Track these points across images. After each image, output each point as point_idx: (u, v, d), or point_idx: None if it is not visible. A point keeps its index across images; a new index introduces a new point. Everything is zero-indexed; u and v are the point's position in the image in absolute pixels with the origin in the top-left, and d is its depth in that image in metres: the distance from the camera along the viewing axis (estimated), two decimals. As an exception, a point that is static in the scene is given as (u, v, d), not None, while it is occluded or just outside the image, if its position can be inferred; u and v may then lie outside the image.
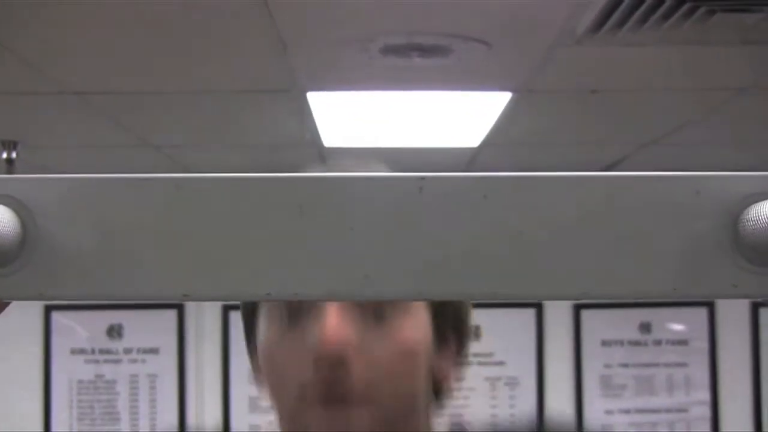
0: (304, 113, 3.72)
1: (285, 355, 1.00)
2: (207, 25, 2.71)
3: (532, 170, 0.60)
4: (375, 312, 0.98)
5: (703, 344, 5.85)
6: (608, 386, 5.87)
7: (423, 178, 0.59)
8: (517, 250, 0.59)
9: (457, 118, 3.98)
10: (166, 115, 3.92)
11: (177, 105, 3.72)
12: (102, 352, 5.79)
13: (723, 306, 5.66)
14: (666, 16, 2.55)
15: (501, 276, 0.59)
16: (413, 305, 1.02)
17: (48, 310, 5.68)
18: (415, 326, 1.02)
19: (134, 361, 5.80)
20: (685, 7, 2.47)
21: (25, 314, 5.30)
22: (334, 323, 0.96)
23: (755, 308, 5.53)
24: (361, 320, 0.98)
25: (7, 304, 0.67)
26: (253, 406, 5.59)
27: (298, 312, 0.99)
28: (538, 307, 5.82)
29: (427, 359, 1.05)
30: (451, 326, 1.12)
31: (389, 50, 2.89)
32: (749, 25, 2.63)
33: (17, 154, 4.25)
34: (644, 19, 2.57)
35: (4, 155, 4.22)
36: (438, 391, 1.13)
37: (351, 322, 0.97)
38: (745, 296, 0.61)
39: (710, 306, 5.79)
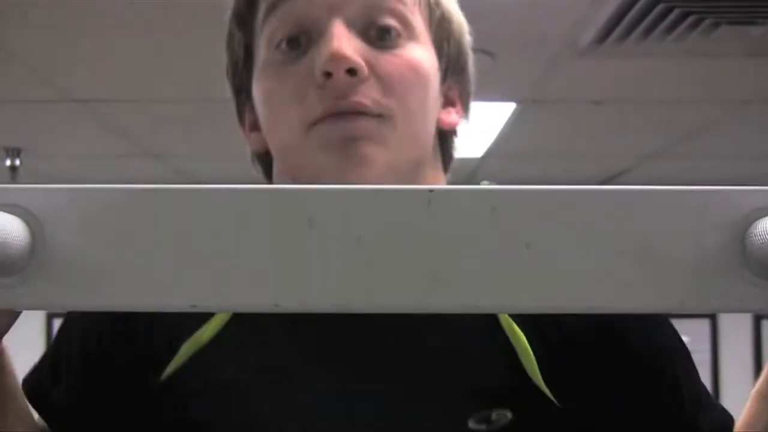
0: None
1: (289, 86, 0.94)
2: (212, 35, 2.71)
3: (535, 181, 0.60)
4: (381, 44, 0.94)
5: (705, 356, 5.84)
6: (610, 397, 5.85)
7: (431, 190, 0.59)
8: (525, 262, 0.59)
9: (460, 128, 3.97)
10: (169, 124, 3.92)
11: (182, 114, 3.72)
12: (104, 359, 5.77)
13: (725, 318, 5.66)
14: (670, 29, 2.55)
15: (509, 288, 0.59)
16: (419, 38, 0.97)
17: (49, 318, 5.67)
18: (422, 52, 0.98)
19: (136, 368, 5.78)
20: (690, 19, 2.47)
21: (27, 321, 5.27)
22: (343, 44, 0.91)
23: (757, 321, 5.52)
24: (368, 46, 0.94)
25: (18, 314, 0.67)
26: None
27: (301, 44, 0.94)
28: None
29: (435, 89, 1.00)
30: (453, 64, 1.06)
31: (394, 60, 2.89)
32: (754, 38, 2.63)
33: (21, 162, 4.25)
34: (648, 31, 2.58)
35: (8, 162, 4.23)
36: (443, 140, 1.10)
37: (358, 46, 0.93)
38: (752, 311, 0.61)
39: (712, 318, 5.79)
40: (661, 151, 4.28)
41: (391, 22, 0.95)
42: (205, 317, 0.97)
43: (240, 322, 0.96)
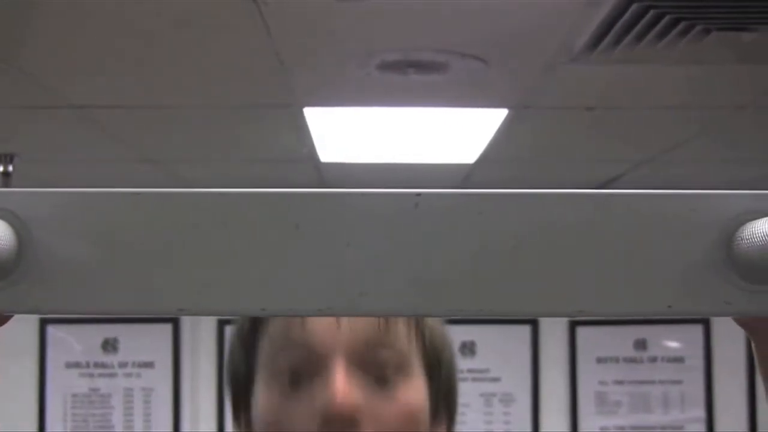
0: (301, 129, 3.72)
1: (290, 419, 0.99)
2: (205, 41, 2.72)
3: (527, 187, 0.61)
4: (377, 377, 0.99)
5: (699, 361, 5.85)
6: (603, 403, 5.86)
7: (419, 194, 0.59)
8: (512, 266, 0.60)
9: (453, 134, 3.98)
10: (164, 130, 3.92)
11: (175, 120, 3.72)
12: (97, 365, 5.78)
13: (718, 323, 5.66)
14: (662, 35, 2.56)
15: (496, 292, 0.60)
16: (413, 373, 1.02)
17: (43, 324, 5.67)
18: (416, 393, 1.03)
19: (129, 375, 5.79)
20: (681, 25, 2.48)
21: (20, 327, 5.29)
22: (344, 385, 0.96)
23: (751, 326, 5.51)
24: (366, 384, 0.98)
25: (9, 317, 0.68)
26: (248, 421, 5.56)
27: (302, 376, 0.99)
28: (534, 324, 5.81)
29: (426, 427, 1.05)
30: (443, 398, 1.12)
31: (386, 66, 2.90)
32: (745, 44, 2.63)
33: (14, 168, 4.24)
34: (640, 37, 2.58)
35: (1, 168, 4.22)
36: None
37: (357, 385, 0.97)
38: (740, 314, 0.61)
39: (705, 323, 5.79)
40: (653, 157, 4.29)
41: (389, 357, 1.01)
42: None
43: None
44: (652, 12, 2.39)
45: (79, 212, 0.59)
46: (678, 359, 5.84)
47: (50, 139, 4.04)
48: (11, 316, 0.68)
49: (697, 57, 2.76)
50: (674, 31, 2.52)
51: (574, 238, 0.60)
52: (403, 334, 1.03)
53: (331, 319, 0.99)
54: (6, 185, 4.28)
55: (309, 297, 0.59)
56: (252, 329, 1.07)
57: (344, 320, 0.99)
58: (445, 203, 0.60)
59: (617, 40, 2.61)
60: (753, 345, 0.77)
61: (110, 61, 2.93)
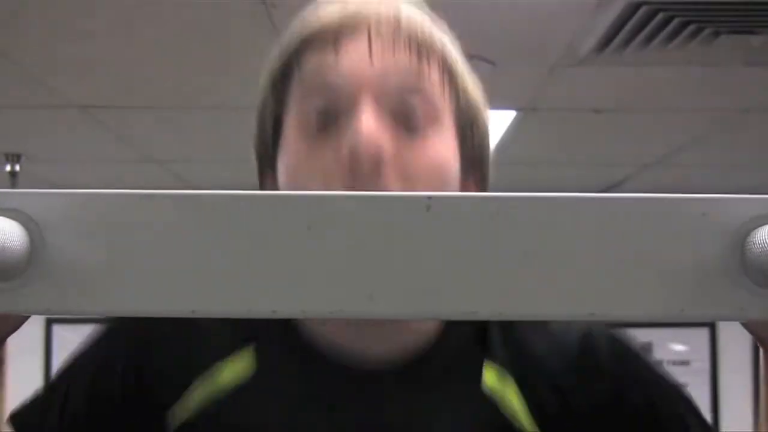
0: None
1: (315, 163, 0.95)
2: (212, 42, 2.72)
3: (535, 189, 0.60)
4: (407, 125, 0.94)
5: (704, 365, 5.84)
6: (609, 406, 5.84)
7: (430, 197, 0.59)
8: (524, 270, 0.59)
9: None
10: (170, 130, 3.92)
11: (181, 120, 3.73)
12: (102, 365, 5.78)
13: (724, 327, 5.66)
14: (670, 37, 2.56)
15: (508, 296, 0.59)
16: (444, 126, 0.98)
17: (49, 323, 5.67)
18: (446, 145, 0.98)
19: (134, 375, 5.78)
20: (690, 28, 2.48)
21: (26, 327, 5.26)
22: (371, 124, 0.91)
23: (757, 330, 5.51)
24: (395, 129, 0.94)
25: (23, 320, 0.67)
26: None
27: (329, 119, 0.94)
28: (540, 326, 5.79)
29: (454, 187, 1.01)
30: (475, 158, 1.09)
31: (394, 68, 2.89)
32: (754, 47, 2.63)
33: (21, 167, 4.25)
34: (648, 40, 2.58)
35: (8, 168, 4.23)
36: None
37: (385, 128, 0.93)
38: (753, 319, 0.61)
39: (711, 327, 5.79)
40: (661, 160, 4.29)
41: (421, 105, 0.96)
42: (213, 357, 0.99)
43: (259, 385, 0.99)
44: (660, 15, 2.39)
45: (91, 213, 0.59)
46: (684, 362, 5.84)
47: (56, 140, 4.05)
48: (25, 319, 0.68)
49: (706, 60, 2.76)
50: (683, 34, 2.52)
51: (586, 242, 0.60)
52: (437, 85, 0.99)
53: (364, 59, 0.95)
54: (13, 185, 4.28)
55: (320, 299, 0.59)
56: (283, 74, 1.03)
57: (377, 60, 0.95)
58: (456, 207, 0.60)
59: (625, 43, 2.61)
60: (762, 352, 0.77)
61: (117, 62, 2.94)
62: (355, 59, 0.95)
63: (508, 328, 1.04)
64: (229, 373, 0.99)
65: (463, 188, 1.05)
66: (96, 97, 3.37)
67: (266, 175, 1.08)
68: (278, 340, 1.01)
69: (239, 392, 0.99)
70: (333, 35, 0.97)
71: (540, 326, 1.05)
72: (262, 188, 1.09)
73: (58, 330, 5.72)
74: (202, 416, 0.98)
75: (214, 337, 1.01)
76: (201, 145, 4.20)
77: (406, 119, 0.95)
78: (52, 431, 1.08)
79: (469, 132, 1.06)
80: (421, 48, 0.98)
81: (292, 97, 1.01)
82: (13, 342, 0.78)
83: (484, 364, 1.01)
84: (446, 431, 0.99)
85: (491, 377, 1.00)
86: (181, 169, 4.67)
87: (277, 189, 1.03)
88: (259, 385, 0.99)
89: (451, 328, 1.02)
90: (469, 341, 1.03)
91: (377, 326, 0.99)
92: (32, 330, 5.52)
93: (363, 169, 0.91)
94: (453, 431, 0.99)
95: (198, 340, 1.01)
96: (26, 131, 3.88)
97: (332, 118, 0.95)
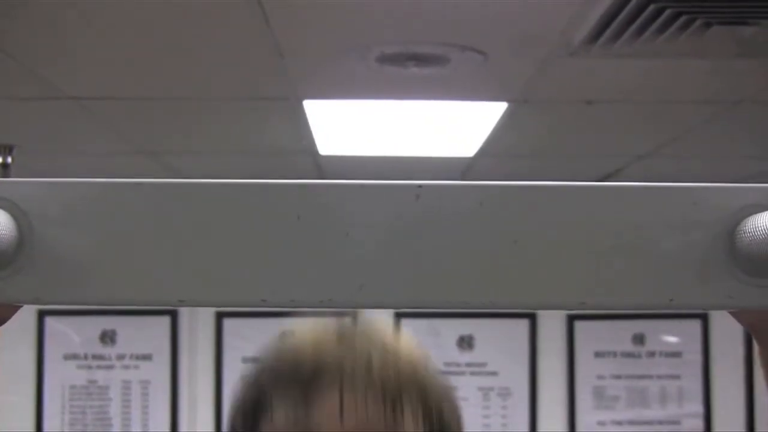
0: (300, 121, 3.72)
1: None
2: (205, 33, 2.71)
3: (527, 180, 0.60)
4: None
5: (697, 356, 5.85)
6: (601, 398, 5.86)
7: (420, 186, 0.59)
8: (513, 259, 0.59)
9: (453, 127, 3.98)
10: (162, 122, 3.92)
11: (174, 112, 3.72)
12: (95, 357, 5.78)
13: (717, 318, 5.66)
14: (662, 29, 2.55)
15: (496, 285, 0.59)
16: None
17: (41, 315, 5.66)
18: None
19: (127, 367, 5.79)
20: (682, 19, 2.47)
21: (19, 319, 5.25)
22: None
23: (749, 321, 5.51)
24: None
25: (14, 311, 0.67)
26: (246, 413, 5.56)
27: None
28: (532, 318, 5.81)
29: None
30: None
31: (386, 59, 2.90)
32: (745, 38, 2.63)
33: (12, 159, 4.24)
34: (640, 31, 2.58)
35: (0, 159, 4.22)
36: None
37: None
38: (742, 307, 0.61)
39: (704, 318, 5.79)
40: (653, 151, 4.29)
41: None
42: None
43: None
44: (652, 6, 2.39)
45: (80, 202, 0.59)
46: (676, 354, 5.84)
47: (49, 131, 4.04)
48: (16, 310, 0.68)
49: (698, 51, 2.76)
50: (674, 25, 2.52)
51: (576, 231, 0.60)
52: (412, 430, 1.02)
53: (336, 418, 0.97)
54: (5, 177, 4.28)
55: (309, 288, 0.59)
56: (254, 412, 1.05)
57: (349, 419, 0.97)
58: (446, 195, 0.60)
59: (617, 34, 2.61)
60: (756, 342, 0.77)
61: (108, 52, 2.93)
62: (327, 421, 0.98)
63: None
64: None
65: None
66: (89, 89, 3.36)
67: None
68: None
69: None
70: (304, 388, 0.99)
71: None
72: None
73: (50, 322, 5.71)
74: None
75: None
76: (195, 137, 4.19)
77: None
78: None
79: None
80: (395, 398, 1.00)
81: None
82: (5, 334, 0.78)
83: None
84: None
85: None
86: (175, 160, 4.67)
87: None
88: None
89: None
90: None
91: None
92: (24, 322, 5.51)
93: None
94: None
95: None
96: (18, 123, 3.87)
97: None
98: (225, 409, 5.68)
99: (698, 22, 2.50)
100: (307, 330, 1.06)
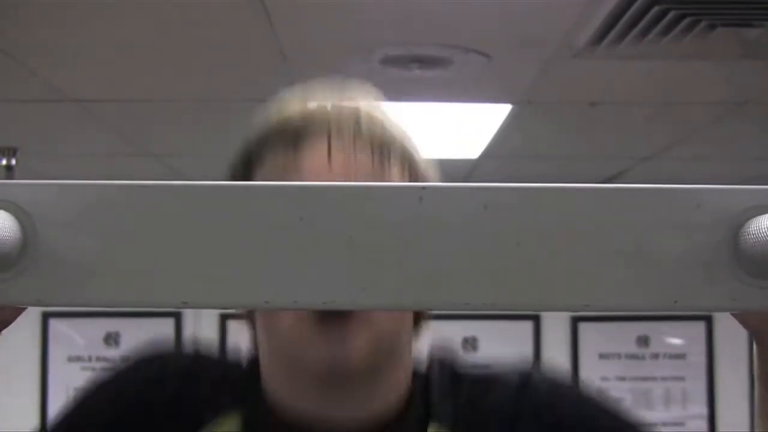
0: (303, 123, 3.71)
1: None
2: (208, 35, 2.71)
3: (531, 182, 0.60)
4: None
5: (701, 358, 5.85)
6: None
7: (423, 188, 0.59)
8: (517, 261, 0.59)
9: (456, 129, 3.98)
10: (166, 124, 3.92)
11: (177, 114, 3.72)
12: (99, 359, 5.78)
13: (721, 320, 5.66)
14: (666, 31, 2.55)
15: (502, 286, 0.59)
16: None
17: (45, 317, 5.67)
18: None
19: (131, 369, 5.79)
20: (686, 21, 2.47)
21: (23, 321, 5.26)
22: None
23: (753, 323, 5.50)
24: None
25: (18, 313, 0.67)
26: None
27: None
28: (536, 320, 5.81)
29: None
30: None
31: (389, 61, 2.90)
32: (750, 40, 2.63)
33: (16, 161, 4.25)
34: (644, 33, 2.58)
35: (3, 162, 4.22)
36: (417, 322, 1.14)
37: None
38: (746, 309, 0.61)
39: (708, 320, 5.79)
40: (657, 153, 4.29)
41: None
42: (213, 412, 1.06)
43: None
44: (656, 7, 2.39)
45: (84, 204, 0.59)
46: (680, 356, 5.84)
47: (52, 133, 4.04)
48: (20, 313, 0.68)
49: (702, 53, 2.76)
50: (679, 27, 2.52)
51: (580, 232, 0.60)
52: (397, 179, 1.01)
53: (324, 163, 0.98)
54: (9, 179, 4.27)
55: (312, 290, 0.59)
56: (245, 172, 1.06)
57: (337, 165, 0.98)
58: (449, 197, 0.59)
59: (621, 36, 2.61)
60: (755, 345, 0.77)
61: (111, 54, 2.93)
62: (315, 163, 0.99)
63: (456, 384, 1.08)
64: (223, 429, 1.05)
65: None
66: (92, 91, 3.37)
67: None
68: (255, 407, 1.07)
69: None
70: (293, 135, 0.99)
71: (484, 376, 1.10)
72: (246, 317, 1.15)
73: (54, 324, 5.72)
74: None
75: (214, 394, 1.08)
76: (197, 139, 4.19)
77: None
78: None
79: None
80: (382, 147, 1.01)
81: None
82: (8, 336, 0.78)
83: (429, 425, 1.05)
84: None
85: None
86: (178, 162, 4.67)
87: None
88: None
89: (417, 399, 1.05)
90: (424, 409, 1.07)
91: (340, 390, 1.03)
92: (28, 325, 5.52)
93: None
94: None
95: (204, 390, 1.08)
96: (22, 125, 3.88)
97: None
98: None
99: (703, 24, 2.50)
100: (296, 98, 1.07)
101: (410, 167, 1.04)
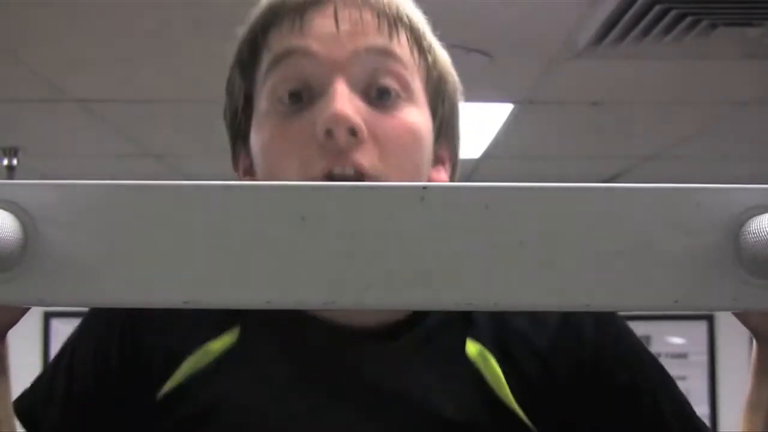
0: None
1: (289, 140, 0.96)
2: (210, 35, 2.71)
3: (532, 182, 0.60)
4: (380, 102, 0.96)
5: (703, 358, 5.85)
6: (607, 399, 5.85)
7: (425, 187, 0.59)
8: (518, 260, 0.59)
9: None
10: (168, 124, 3.92)
11: (179, 114, 3.72)
12: (100, 359, 5.78)
13: (722, 319, 5.66)
14: (667, 30, 2.55)
15: (503, 286, 0.59)
16: (416, 99, 1.00)
17: (47, 317, 5.68)
18: (418, 115, 1.00)
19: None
20: (687, 20, 2.47)
21: (25, 321, 5.26)
22: (345, 104, 0.93)
23: (754, 322, 5.50)
24: (367, 107, 0.96)
25: (22, 313, 0.67)
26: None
27: (302, 100, 0.96)
28: (538, 319, 5.80)
29: (429, 151, 1.03)
30: (446, 128, 1.11)
31: (391, 61, 2.89)
32: (751, 39, 2.63)
33: (18, 161, 4.25)
34: (646, 32, 2.58)
35: (5, 162, 4.23)
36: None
37: (358, 107, 0.94)
38: (746, 309, 0.61)
39: (710, 319, 5.79)
40: (659, 153, 4.29)
41: (392, 83, 0.98)
42: (204, 338, 1.01)
43: (244, 348, 1.01)
44: (657, 7, 2.39)
45: (85, 205, 0.59)
46: (682, 355, 5.84)
47: (54, 134, 4.05)
48: (23, 313, 0.68)
49: (703, 52, 2.76)
50: (680, 27, 2.52)
51: (581, 232, 0.60)
52: (407, 59, 1.00)
53: (334, 40, 0.96)
54: (10, 179, 4.27)
55: (315, 289, 0.59)
56: (251, 51, 1.04)
57: (347, 41, 0.96)
58: (451, 197, 0.59)
59: (623, 36, 2.61)
60: (755, 343, 0.77)
61: (113, 55, 2.93)
62: (324, 39, 0.97)
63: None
64: (216, 346, 1.02)
65: (436, 150, 1.08)
66: (94, 91, 3.37)
67: (239, 152, 1.08)
68: (262, 312, 1.01)
69: (224, 357, 1.01)
70: (299, 10, 0.98)
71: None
72: (235, 165, 1.10)
73: (56, 325, 5.72)
74: (189, 381, 1.01)
75: (204, 320, 1.03)
76: (200, 139, 4.19)
77: (378, 96, 0.97)
78: (59, 407, 1.10)
79: (440, 100, 1.08)
80: (390, 22, 0.99)
81: (261, 74, 1.02)
82: (11, 336, 0.78)
83: (467, 338, 1.02)
84: (430, 392, 0.99)
85: (473, 350, 1.01)
86: (181, 163, 4.67)
87: (249, 164, 1.04)
88: (242, 349, 1.01)
89: None
90: (452, 316, 1.04)
91: None
92: (31, 325, 5.52)
93: (339, 143, 0.92)
94: (437, 393, 0.99)
95: (190, 321, 1.03)
96: (23, 125, 3.88)
97: (306, 97, 0.96)
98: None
99: (704, 24, 2.50)
100: None
101: (418, 44, 1.02)
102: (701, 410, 5.78)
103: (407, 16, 1.02)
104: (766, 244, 0.58)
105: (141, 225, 0.59)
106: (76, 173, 4.84)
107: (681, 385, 1.10)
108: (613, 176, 4.77)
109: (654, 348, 5.82)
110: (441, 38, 1.09)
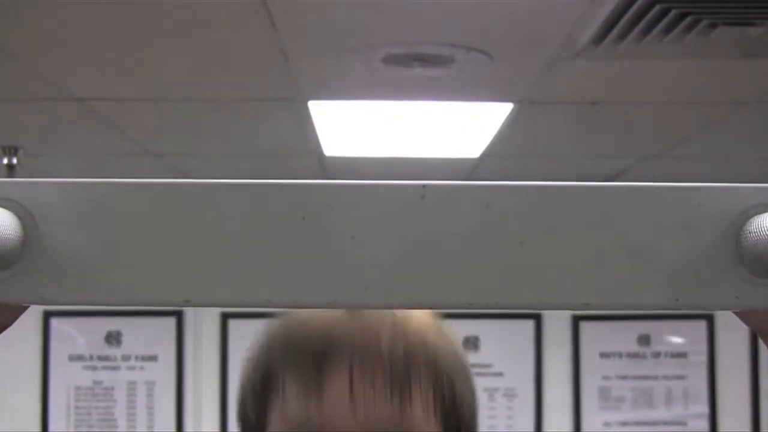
0: (305, 122, 3.72)
1: None
2: (209, 34, 2.71)
3: (533, 181, 0.60)
4: None
5: (702, 357, 5.85)
6: (606, 398, 5.86)
7: (425, 186, 0.59)
8: (518, 259, 0.59)
9: (458, 128, 3.98)
10: (167, 123, 3.92)
11: (179, 113, 3.72)
12: (100, 358, 5.79)
13: (722, 319, 5.66)
14: (667, 30, 2.55)
15: (502, 285, 0.59)
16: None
17: (47, 316, 5.67)
18: None
19: (132, 368, 5.80)
20: (687, 20, 2.47)
21: (24, 320, 5.25)
22: None
23: (754, 322, 5.50)
24: None
25: (21, 311, 0.67)
26: (251, 414, 5.56)
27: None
28: (537, 319, 5.81)
29: None
30: None
31: (391, 60, 2.90)
32: (751, 39, 2.63)
33: (18, 160, 4.25)
34: (646, 32, 2.58)
35: (5, 161, 4.22)
36: None
37: None
38: (748, 308, 0.61)
39: (709, 319, 5.79)
40: (658, 152, 4.29)
41: None
42: None
43: None
44: (657, 6, 2.39)
45: (85, 202, 0.59)
46: (681, 355, 5.84)
47: (54, 132, 4.05)
48: (22, 311, 0.68)
49: (703, 52, 2.76)
50: (680, 26, 2.52)
51: (581, 231, 0.60)
52: (421, 416, 1.01)
53: (347, 404, 0.98)
54: (11, 177, 4.27)
55: (314, 289, 0.59)
56: (264, 388, 1.06)
57: (360, 407, 0.98)
58: (451, 195, 0.59)
59: (623, 35, 2.61)
60: (763, 342, 0.77)
61: (113, 54, 2.93)
62: (338, 403, 0.99)
63: None
64: None
65: None
66: (94, 90, 3.37)
67: None
68: None
69: None
70: (315, 369, 1.00)
71: None
72: None
73: (55, 324, 5.72)
74: None
75: None
76: (199, 138, 4.19)
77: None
78: None
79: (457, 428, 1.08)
80: (403, 380, 1.01)
81: (274, 415, 1.04)
82: (10, 335, 0.78)
83: None
84: None
85: None
86: (180, 162, 4.67)
87: None
88: None
89: None
90: None
91: None
92: (30, 323, 5.52)
93: None
94: None
95: None
96: (23, 124, 3.88)
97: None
98: (230, 409, 5.69)
99: (704, 23, 2.50)
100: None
101: (434, 389, 1.03)
102: (701, 410, 5.80)
103: (422, 362, 1.03)
104: (767, 243, 0.58)
105: (141, 223, 0.59)
106: (76, 172, 4.84)
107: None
108: (613, 175, 4.77)
109: (653, 347, 5.82)
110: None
